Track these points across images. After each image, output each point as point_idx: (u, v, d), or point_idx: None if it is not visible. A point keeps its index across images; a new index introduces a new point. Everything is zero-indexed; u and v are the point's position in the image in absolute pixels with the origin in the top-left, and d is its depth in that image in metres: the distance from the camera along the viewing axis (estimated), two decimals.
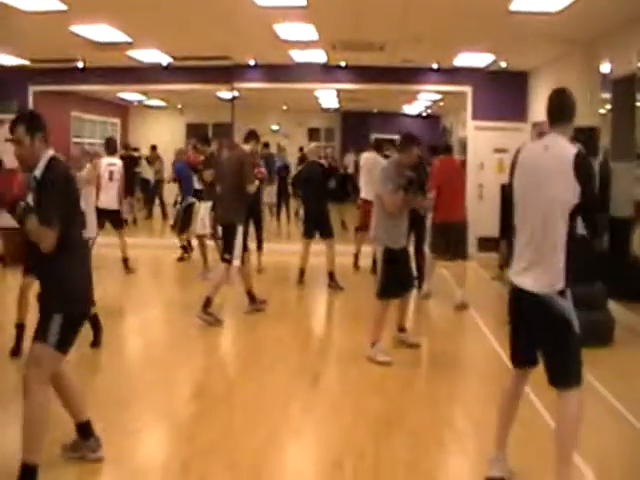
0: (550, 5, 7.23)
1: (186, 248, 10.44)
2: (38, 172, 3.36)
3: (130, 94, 16.59)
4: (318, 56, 10.93)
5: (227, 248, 7.03)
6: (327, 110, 19.83)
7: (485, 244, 11.21)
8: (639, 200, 7.52)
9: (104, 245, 8.65)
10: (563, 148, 3.30)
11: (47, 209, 3.26)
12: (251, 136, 7.59)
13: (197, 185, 9.94)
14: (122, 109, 19.29)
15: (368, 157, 9.88)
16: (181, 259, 10.03)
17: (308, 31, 9.05)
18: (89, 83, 12.45)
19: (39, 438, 3.27)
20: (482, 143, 11.64)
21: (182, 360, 5.81)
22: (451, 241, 7.99)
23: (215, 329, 6.90)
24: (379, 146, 10.16)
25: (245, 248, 8.05)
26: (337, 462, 3.84)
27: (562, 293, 3.28)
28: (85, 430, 3.73)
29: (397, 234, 5.85)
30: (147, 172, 16.42)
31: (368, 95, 15.16)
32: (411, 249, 6.86)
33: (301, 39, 9.55)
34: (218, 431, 4.29)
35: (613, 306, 6.79)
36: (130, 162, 15.29)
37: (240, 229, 7.08)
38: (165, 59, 11.36)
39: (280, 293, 8.50)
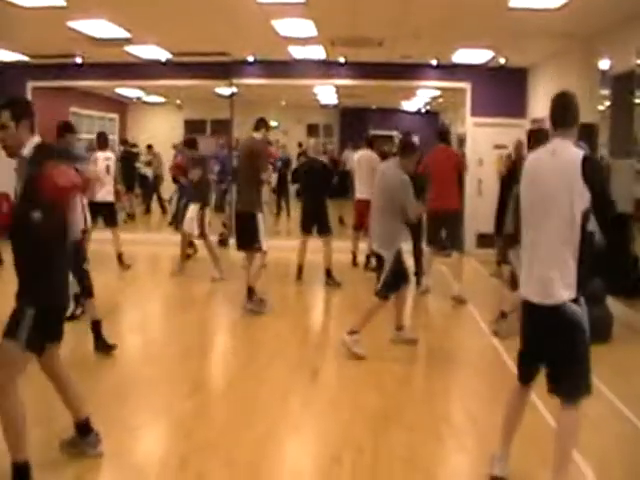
0: (549, 1, 7.23)
1: (192, 243, 10.38)
2: (26, 151, 3.33)
3: (129, 90, 16.58)
4: (317, 52, 10.92)
5: (254, 237, 7.23)
6: (326, 106, 19.81)
7: (484, 240, 11.20)
8: (638, 197, 7.53)
9: (99, 241, 8.65)
10: (570, 153, 3.26)
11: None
12: (261, 124, 7.58)
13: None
14: (121, 105, 19.26)
15: (362, 155, 9.86)
16: (187, 256, 9.98)
17: (307, 27, 9.03)
18: (87, 79, 12.45)
19: (22, 436, 3.23)
20: (481, 139, 11.63)
21: (180, 356, 5.81)
22: (445, 230, 8.06)
23: (212, 325, 6.96)
24: (372, 143, 10.13)
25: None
26: (336, 457, 3.85)
27: (575, 300, 3.23)
28: (84, 427, 3.72)
29: (403, 234, 5.99)
30: (145, 168, 16.42)
31: (367, 91, 15.14)
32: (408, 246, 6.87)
33: (300, 35, 9.54)
34: (216, 427, 4.30)
35: (611, 302, 6.80)
36: (128, 158, 15.31)
37: (260, 217, 7.27)
38: (164, 55, 11.34)
39: (279, 289, 8.50)
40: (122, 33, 9.44)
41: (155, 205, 16.16)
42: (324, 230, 8.76)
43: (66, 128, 6.05)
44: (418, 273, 8.28)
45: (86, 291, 5.68)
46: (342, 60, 11.67)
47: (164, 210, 15.63)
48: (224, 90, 13.20)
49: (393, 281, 5.84)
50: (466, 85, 11.76)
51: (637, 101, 7.66)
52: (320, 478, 3.74)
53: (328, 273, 8.70)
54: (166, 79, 12.40)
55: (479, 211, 11.29)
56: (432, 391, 5.12)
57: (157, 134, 16.97)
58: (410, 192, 5.77)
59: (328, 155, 15.75)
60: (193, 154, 9.35)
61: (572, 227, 3.19)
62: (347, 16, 8.47)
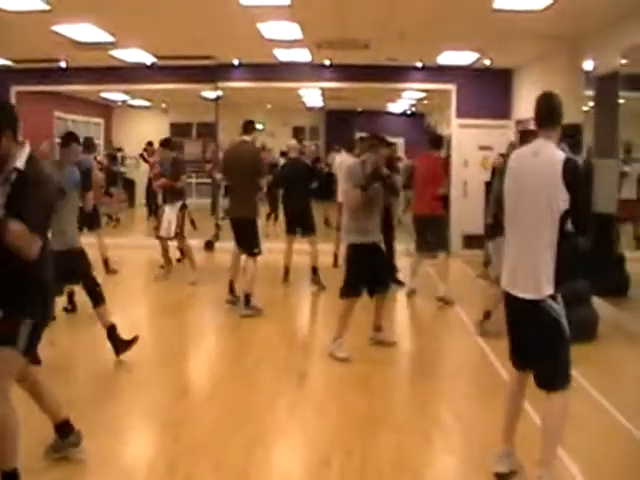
0: (534, 3, 7.26)
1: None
2: (20, 163, 3.08)
3: (114, 94, 16.51)
4: (302, 55, 10.93)
5: (252, 243, 7.32)
6: (312, 109, 19.84)
7: (470, 241, 11.28)
8: (621, 197, 7.58)
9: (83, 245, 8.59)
10: (552, 154, 3.32)
11: (33, 211, 3.02)
12: (250, 126, 7.60)
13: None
14: (106, 109, 19.18)
15: (344, 158, 9.85)
16: (179, 260, 9.94)
17: (292, 30, 9.03)
18: (72, 83, 12.38)
19: (13, 443, 3.16)
20: (466, 141, 11.68)
21: (167, 360, 5.79)
22: (428, 234, 8.08)
23: (199, 328, 6.95)
24: (350, 146, 10.08)
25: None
26: (324, 460, 3.84)
27: (553, 297, 3.32)
28: (64, 428, 3.70)
29: (363, 228, 5.82)
30: (132, 172, 16.36)
31: (352, 94, 15.17)
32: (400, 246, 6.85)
33: (285, 38, 9.54)
34: (205, 430, 4.28)
35: (597, 302, 6.83)
36: (113, 162, 15.26)
37: (257, 223, 7.38)
38: (149, 58, 11.31)
39: (265, 292, 8.48)
40: (106, 37, 9.40)
41: (142, 210, 16.08)
42: (308, 231, 8.75)
43: (72, 138, 6.04)
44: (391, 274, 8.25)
45: (97, 298, 5.64)
46: (327, 63, 11.69)
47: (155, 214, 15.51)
48: (209, 93, 13.19)
49: (350, 282, 5.85)
50: (451, 87, 11.82)
51: (621, 101, 7.72)
52: None
53: (314, 271, 8.69)
54: (151, 83, 12.38)
55: (465, 212, 11.37)
56: (420, 393, 5.12)
57: (143, 138, 16.83)
58: (352, 178, 5.75)
59: (312, 155, 15.72)
60: (175, 156, 9.21)
61: (551, 226, 3.27)
62: (332, 18, 8.48)
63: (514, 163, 3.51)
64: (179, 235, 8.98)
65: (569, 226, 3.35)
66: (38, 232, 3.04)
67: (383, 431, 4.30)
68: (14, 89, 12.07)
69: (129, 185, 17.35)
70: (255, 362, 5.77)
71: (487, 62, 10.99)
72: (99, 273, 9.19)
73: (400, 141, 18.89)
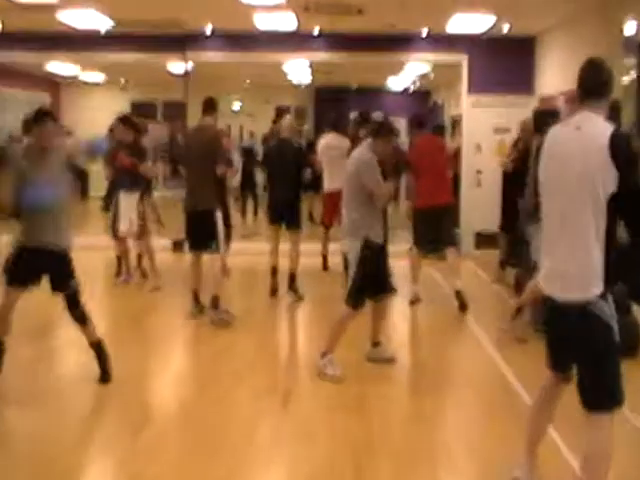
0: None
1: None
2: None
3: (62, 65, 16.36)
4: (287, 22, 10.89)
5: (210, 238, 7.38)
6: (298, 86, 19.84)
7: (483, 240, 11.31)
8: None
9: None
10: (597, 127, 3.30)
11: None
12: (211, 106, 7.60)
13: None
14: (52, 84, 19.11)
15: (330, 140, 9.84)
16: (139, 264, 9.89)
17: None
18: (10, 50, 12.17)
19: None
20: (480, 122, 11.73)
21: (128, 379, 5.74)
22: (440, 228, 8.06)
23: (164, 342, 6.98)
24: (337, 124, 10.07)
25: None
26: None
27: (603, 297, 3.29)
28: None
29: (379, 225, 5.94)
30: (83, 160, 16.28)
31: (345, 68, 15.19)
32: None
33: (266, 1, 9.52)
34: (172, 464, 4.27)
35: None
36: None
37: (219, 215, 7.41)
38: (104, 23, 11.22)
39: (244, 299, 8.50)
40: None
41: (96, 204, 16.02)
42: (293, 224, 8.61)
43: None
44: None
45: (82, 317, 5.61)
46: (316, 31, 11.69)
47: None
48: (177, 67, 13.16)
49: (363, 287, 5.85)
50: (462, 58, 11.83)
51: None
52: None
53: (292, 278, 8.57)
54: (107, 52, 12.31)
55: (477, 206, 11.37)
56: (422, 416, 5.14)
57: (98, 118, 16.77)
58: (376, 174, 5.83)
59: (297, 137, 15.71)
60: (135, 138, 9.11)
61: (598, 213, 3.23)
62: None
63: (551, 142, 3.49)
64: (142, 232, 8.91)
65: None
66: None
67: (381, 459, 4.32)
68: None
69: (80, 176, 17.26)
70: (231, 381, 5.77)
71: (505, 28, 11.00)
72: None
73: (402, 122, 18.93)
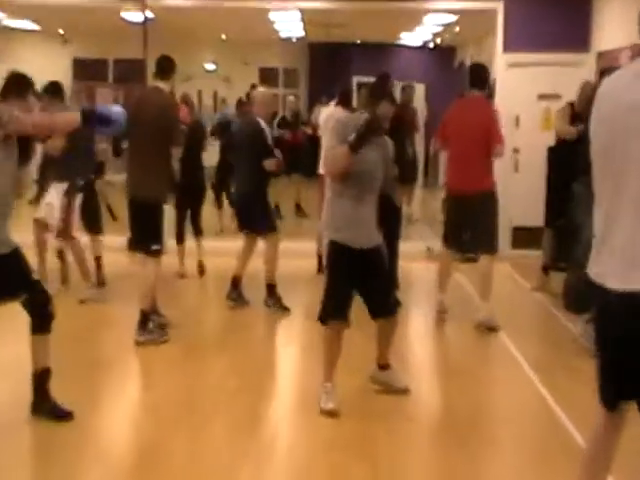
0: None
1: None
2: None
3: None
4: None
5: (151, 236, 7.35)
6: (288, 41, 19.86)
7: (522, 237, 11.29)
8: None
9: None
10: None
11: None
12: (166, 67, 7.58)
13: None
14: None
15: (330, 115, 9.76)
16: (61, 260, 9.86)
17: None
18: None
19: None
20: (519, 86, 11.67)
21: (81, 412, 5.66)
22: (474, 224, 8.02)
23: (117, 367, 7.01)
24: (346, 98, 10.10)
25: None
26: None
27: None
28: None
29: (351, 220, 5.78)
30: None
31: (348, 18, 15.21)
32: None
33: None
34: None
35: None
36: None
37: (163, 209, 7.47)
38: None
39: (219, 310, 8.50)
40: None
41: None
42: (263, 227, 8.58)
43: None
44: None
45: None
46: None
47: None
48: (133, 15, 13.14)
49: (331, 300, 5.84)
50: (496, 5, 11.78)
51: None
52: None
53: (270, 289, 8.60)
54: None
55: (515, 195, 11.31)
56: (446, 463, 5.14)
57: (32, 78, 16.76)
58: (343, 131, 5.66)
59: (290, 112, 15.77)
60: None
61: None
62: None
63: (605, 94, 3.45)
64: (67, 232, 8.86)
65: None
66: None
67: None
68: None
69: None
70: (206, 415, 5.77)
71: None
72: None
73: (419, 87, 18.96)
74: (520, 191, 11.25)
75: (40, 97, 7.59)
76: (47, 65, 19.05)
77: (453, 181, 8.14)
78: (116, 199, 12.25)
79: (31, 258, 7.19)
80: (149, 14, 12.58)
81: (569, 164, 7.81)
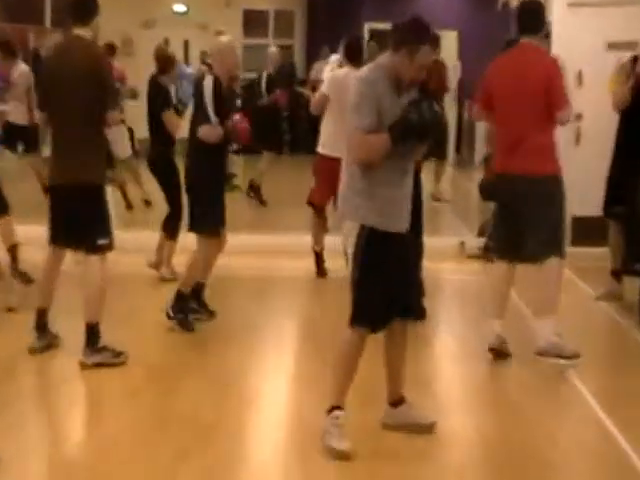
0: None
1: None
2: None
3: None
4: None
5: (95, 228, 7.43)
6: None
7: (586, 230, 11.19)
8: None
9: None
10: None
11: None
12: (87, 7, 7.50)
13: None
14: None
15: (340, 78, 9.88)
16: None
17: None
18: None
19: None
20: (582, 33, 11.73)
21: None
22: (528, 218, 7.74)
23: (58, 394, 7.06)
24: (354, 51, 10.11)
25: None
26: None
27: None
28: None
29: (390, 205, 5.84)
30: None
31: None
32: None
33: None
34: None
35: None
36: None
37: (105, 192, 7.58)
38: None
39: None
40: None
41: None
42: (194, 224, 8.65)
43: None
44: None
45: None
46: None
47: None
48: None
49: (368, 299, 5.84)
50: None
51: None
52: None
53: (179, 297, 8.60)
54: None
55: (576, 175, 11.18)
56: None
57: None
58: (366, 102, 5.68)
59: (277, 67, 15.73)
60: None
61: None
62: None
63: None
64: None
65: None
66: None
67: None
68: None
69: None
70: (178, 456, 5.78)
71: None
72: None
73: (450, 35, 18.97)
74: (582, 169, 11.19)
75: None
76: None
77: (503, 163, 7.84)
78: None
79: None
80: None
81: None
